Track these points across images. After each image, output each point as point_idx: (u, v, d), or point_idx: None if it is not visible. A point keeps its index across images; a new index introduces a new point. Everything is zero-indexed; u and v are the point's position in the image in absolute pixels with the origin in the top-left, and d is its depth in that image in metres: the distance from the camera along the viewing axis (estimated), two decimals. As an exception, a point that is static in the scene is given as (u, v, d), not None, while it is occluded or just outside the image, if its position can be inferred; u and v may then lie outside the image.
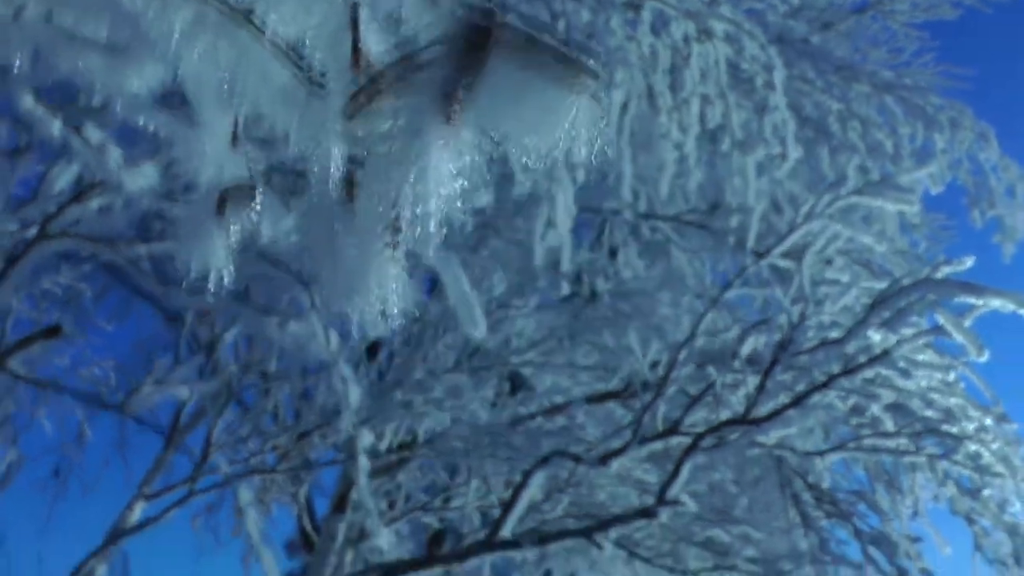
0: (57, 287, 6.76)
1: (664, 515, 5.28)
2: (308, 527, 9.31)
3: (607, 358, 7.99)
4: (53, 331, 4.27)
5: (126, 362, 7.77)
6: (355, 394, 3.38)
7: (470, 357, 7.82)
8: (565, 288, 7.21)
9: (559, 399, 8.03)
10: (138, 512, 7.57)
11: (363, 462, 3.50)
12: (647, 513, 5.32)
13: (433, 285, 8.83)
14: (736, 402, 5.65)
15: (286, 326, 3.59)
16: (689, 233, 8.68)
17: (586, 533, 5.37)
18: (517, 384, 8.66)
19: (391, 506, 9.46)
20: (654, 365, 6.45)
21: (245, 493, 3.89)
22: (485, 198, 4.56)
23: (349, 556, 8.37)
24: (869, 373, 5.07)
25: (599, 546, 5.31)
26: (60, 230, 3.74)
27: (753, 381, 5.51)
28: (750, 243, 5.65)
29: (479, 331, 3.12)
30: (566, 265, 5.55)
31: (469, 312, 3.12)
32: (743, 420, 5.24)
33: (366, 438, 3.44)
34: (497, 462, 6.94)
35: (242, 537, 9.76)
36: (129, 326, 8.39)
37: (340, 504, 8.25)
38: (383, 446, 7.64)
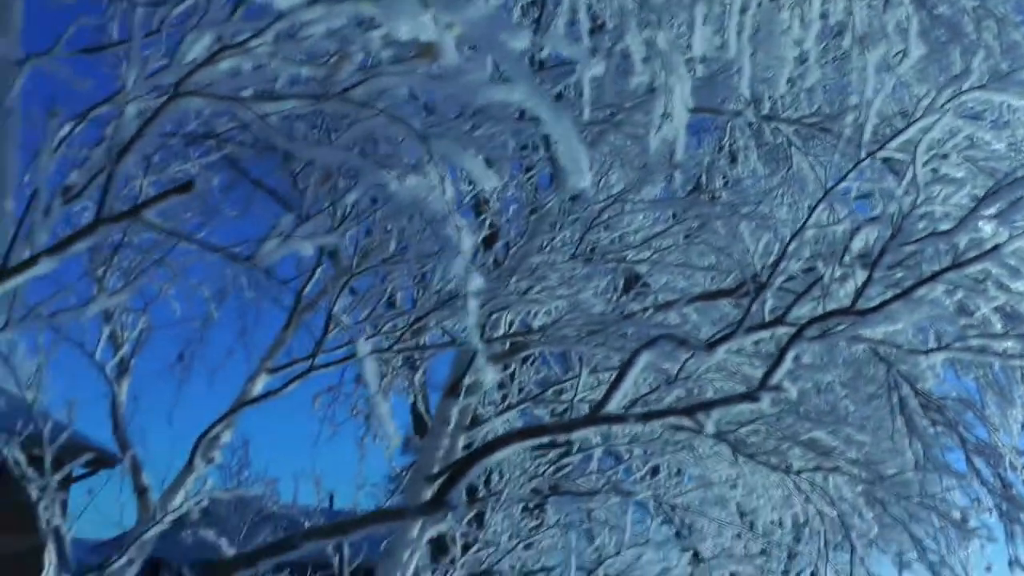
0: (183, 175, 7.08)
1: (766, 400, 5.38)
2: (423, 412, 9.65)
3: (721, 259, 8.05)
4: (185, 187, 4.52)
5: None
6: (468, 241, 3.54)
7: (586, 250, 7.96)
8: (679, 180, 7.27)
9: (672, 297, 8.14)
10: (260, 385, 7.96)
11: (473, 304, 3.65)
12: (750, 397, 5.42)
13: (551, 178, 8.98)
14: (844, 296, 5.68)
15: (405, 180, 3.75)
16: (811, 137, 8.64)
17: (689, 411, 5.50)
18: (631, 282, 8.79)
19: (504, 398, 9.75)
20: (766, 264, 6.49)
21: (364, 345, 4.10)
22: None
23: (461, 441, 8.68)
24: (977, 268, 5.06)
25: (701, 426, 5.45)
26: (191, 89, 3.96)
27: (862, 277, 5.53)
28: (866, 136, 5.63)
29: (584, 181, 3.23)
30: (680, 155, 5.61)
31: (576, 162, 3.23)
32: (849, 311, 5.29)
33: (477, 281, 3.59)
34: (608, 352, 7.10)
35: (359, 421, 10.21)
36: (253, 219, 8.69)
37: (454, 389, 8.54)
38: (499, 334, 7.87)
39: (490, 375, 4.04)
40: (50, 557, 7.08)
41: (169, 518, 7.33)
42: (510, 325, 7.98)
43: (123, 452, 7.90)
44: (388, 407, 7.79)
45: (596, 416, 5.64)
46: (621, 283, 8.40)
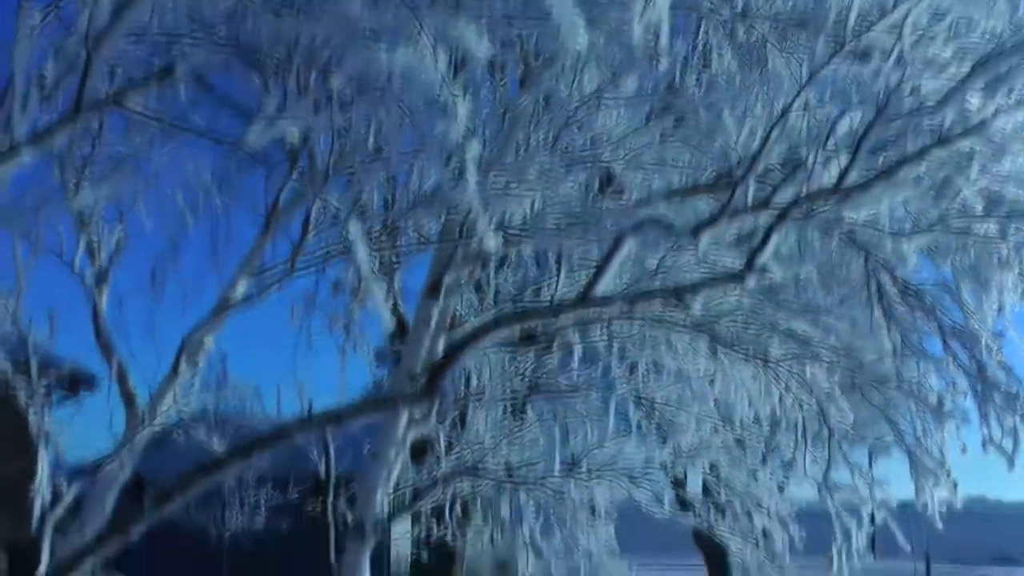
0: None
1: (752, 281, 5.43)
2: (403, 315, 9.66)
3: (698, 156, 8.05)
4: (167, 72, 4.46)
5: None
6: (463, 109, 3.52)
7: (562, 150, 7.94)
8: (654, 80, 7.23)
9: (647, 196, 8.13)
10: (241, 289, 7.93)
11: (472, 171, 3.66)
12: (736, 277, 5.47)
13: (522, 80, 8.89)
14: (828, 181, 5.70)
15: (395, 53, 3.72)
16: (789, 34, 8.58)
17: (676, 293, 5.53)
18: (606, 182, 8.77)
19: (482, 301, 9.76)
20: (747, 154, 6.49)
21: (355, 226, 4.04)
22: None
23: (442, 342, 8.71)
24: (963, 145, 5.09)
25: (688, 307, 5.49)
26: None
27: (846, 160, 5.55)
28: (850, 23, 5.61)
29: (580, 41, 3.24)
30: (665, 40, 5.58)
31: (571, 24, 3.24)
32: (833, 191, 5.32)
33: (475, 148, 3.59)
34: (588, 244, 7.11)
35: (338, 330, 10.18)
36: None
37: (433, 290, 8.55)
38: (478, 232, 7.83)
39: (491, 241, 3.98)
40: (42, 462, 7.07)
41: (158, 422, 7.36)
42: (489, 223, 7.96)
43: (107, 358, 7.88)
44: (381, 288, 7.78)
45: (583, 299, 5.68)
46: (596, 183, 8.38)
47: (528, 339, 9.30)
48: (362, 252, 4.62)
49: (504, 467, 8.98)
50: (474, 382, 9.71)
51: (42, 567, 5.95)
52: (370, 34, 3.94)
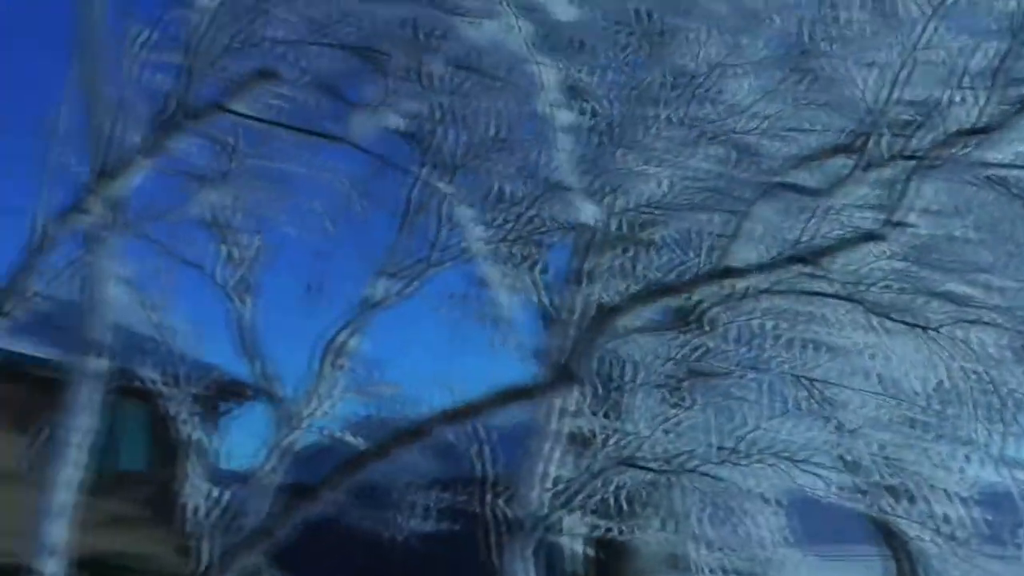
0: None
1: (892, 236, 5.11)
2: (547, 303, 9.54)
3: (832, 116, 7.69)
4: (269, 74, 4.49)
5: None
6: (551, 75, 3.39)
7: (691, 124, 7.71)
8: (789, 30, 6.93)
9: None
10: (381, 289, 7.99)
11: (564, 140, 3.54)
12: (875, 236, 5.17)
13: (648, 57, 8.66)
14: (967, 119, 5.34)
15: (480, 25, 3.64)
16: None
17: (812, 257, 5.26)
18: (738, 152, 8.47)
19: (627, 288, 9.55)
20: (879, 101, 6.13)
21: (474, 232, 3.79)
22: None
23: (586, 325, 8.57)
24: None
25: (826, 273, 5.21)
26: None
27: (983, 98, 5.19)
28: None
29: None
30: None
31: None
32: (971, 131, 4.97)
33: (565, 116, 3.46)
34: (724, 217, 6.86)
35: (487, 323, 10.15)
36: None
37: (576, 277, 8.42)
38: (613, 212, 7.68)
39: (589, 211, 3.79)
40: (192, 467, 7.26)
41: (305, 424, 7.45)
42: (625, 206, 7.79)
43: (253, 364, 8.04)
44: (511, 301, 7.74)
45: (718, 270, 5.47)
46: (732, 154, 8.08)
47: (680, 322, 9.03)
48: (475, 238, 4.49)
49: (662, 455, 8.76)
50: (628, 370, 9.52)
51: (200, 566, 6.07)
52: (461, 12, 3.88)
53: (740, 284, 5.61)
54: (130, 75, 4.75)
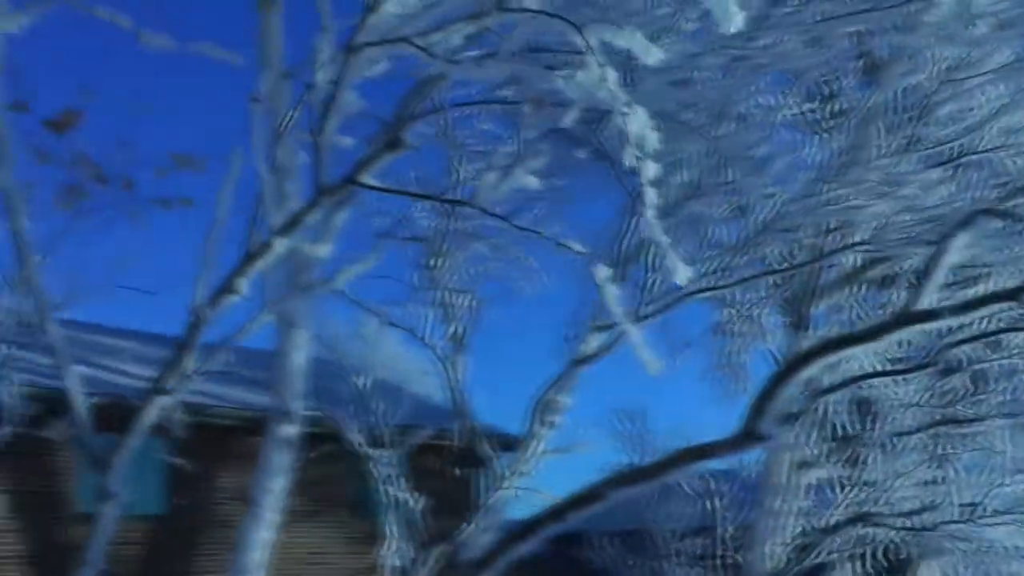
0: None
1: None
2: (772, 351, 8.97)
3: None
4: (395, 144, 4.39)
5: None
6: (639, 119, 3.10)
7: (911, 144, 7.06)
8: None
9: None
10: (593, 344, 7.71)
11: (650, 195, 3.24)
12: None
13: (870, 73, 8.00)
14: None
15: (572, 78, 3.40)
16: None
17: (1015, 294, 4.60)
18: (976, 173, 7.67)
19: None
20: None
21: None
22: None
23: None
24: None
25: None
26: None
27: None
28: None
29: (736, 23, 2.79)
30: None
31: (723, 6, 2.79)
32: None
33: (651, 168, 3.17)
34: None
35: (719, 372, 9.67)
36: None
37: (798, 321, 7.93)
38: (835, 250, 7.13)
39: (682, 272, 3.42)
40: (390, 528, 7.24)
41: (515, 483, 7.27)
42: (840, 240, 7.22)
43: (463, 423, 7.97)
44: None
45: (905, 315, 4.90)
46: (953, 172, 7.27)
47: (919, 367, 8.25)
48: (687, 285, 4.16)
49: (905, 511, 8.01)
50: (870, 418, 8.79)
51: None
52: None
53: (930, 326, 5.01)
54: (270, 155, 4.81)
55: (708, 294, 7.62)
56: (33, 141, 5.07)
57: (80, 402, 5.81)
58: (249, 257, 4.81)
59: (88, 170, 5.37)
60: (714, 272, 7.47)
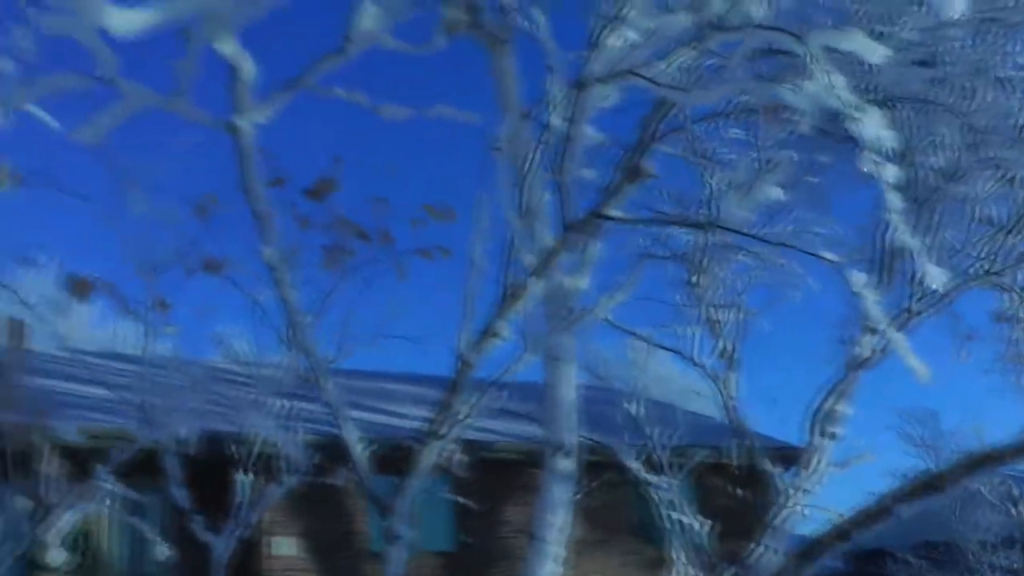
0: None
1: None
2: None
3: None
4: (635, 173, 4.41)
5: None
6: (871, 128, 3.01)
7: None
8: None
9: None
10: (868, 346, 7.41)
11: (894, 200, 3.12)
12: None
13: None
14: None
15: (800, 88, 3.32)
16: None
17: None
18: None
19: None
20: None
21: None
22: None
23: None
24: None
25: None
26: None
27: None
28: None
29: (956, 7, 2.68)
30: None
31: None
32: None
33: (891, 171, 3.06)
34: None
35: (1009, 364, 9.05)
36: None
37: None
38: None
39: (936, 276, 3.24)
40: (676, 553, 7.16)
41: (800, 500, 7.05)
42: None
43: (741, 439, 7.80)
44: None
45: None
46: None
47: None
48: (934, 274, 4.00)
49: None
50: None
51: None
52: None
53: None
54: (516, 198, 4.90)
55: (983, 280, 7.21)
56: (294, 211, 5.43)
57: (359, 451, 6.11)
58: (506, 300, 4.93)
59: (348, 230, 5.67)
60: (987, 256, 7.05)
